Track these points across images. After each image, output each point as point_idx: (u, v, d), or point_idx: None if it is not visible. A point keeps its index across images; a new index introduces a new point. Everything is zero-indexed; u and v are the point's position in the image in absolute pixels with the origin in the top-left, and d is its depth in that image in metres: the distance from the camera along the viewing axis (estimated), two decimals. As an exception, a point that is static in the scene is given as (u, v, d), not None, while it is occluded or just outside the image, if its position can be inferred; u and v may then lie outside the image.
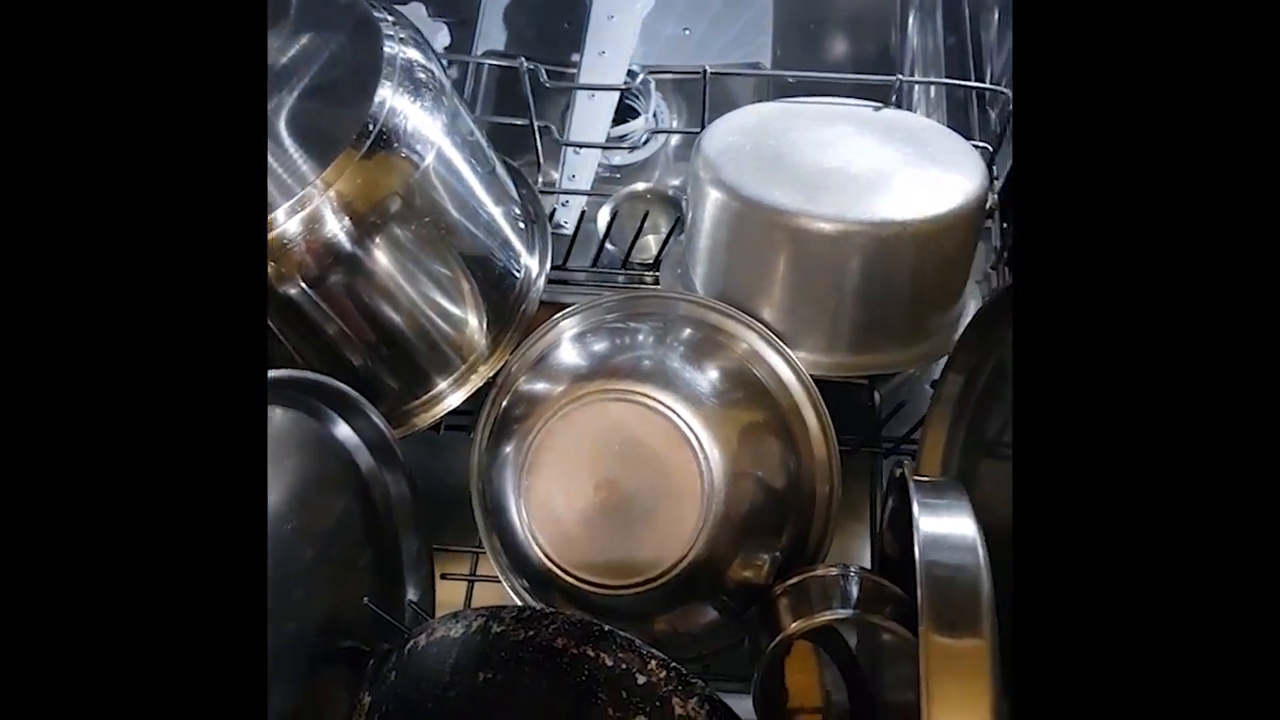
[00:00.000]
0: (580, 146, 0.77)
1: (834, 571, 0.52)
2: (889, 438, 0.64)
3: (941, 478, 0.52)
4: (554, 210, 0.76)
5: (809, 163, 0.57)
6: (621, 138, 0.89)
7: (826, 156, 0.58)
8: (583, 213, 0.72)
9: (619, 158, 0.90)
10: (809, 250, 0.55)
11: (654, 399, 0.51)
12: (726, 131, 0.61)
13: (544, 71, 0.65)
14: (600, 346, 0.57)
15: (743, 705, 0.50)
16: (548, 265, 0.65)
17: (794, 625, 0.49)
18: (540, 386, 0.56)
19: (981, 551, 0.38)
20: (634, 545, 0.50)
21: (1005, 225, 0.67)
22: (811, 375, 0.57)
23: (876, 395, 0.71)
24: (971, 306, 0.63)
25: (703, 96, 0.66)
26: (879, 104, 0.64)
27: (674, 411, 0.50)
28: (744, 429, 0.53)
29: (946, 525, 0.39)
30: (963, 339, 0.55)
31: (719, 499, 0.50)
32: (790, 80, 0.79)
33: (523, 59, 0.65)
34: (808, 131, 0.60)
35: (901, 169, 0.57)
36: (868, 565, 0.61)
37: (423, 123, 0.52)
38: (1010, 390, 0.55)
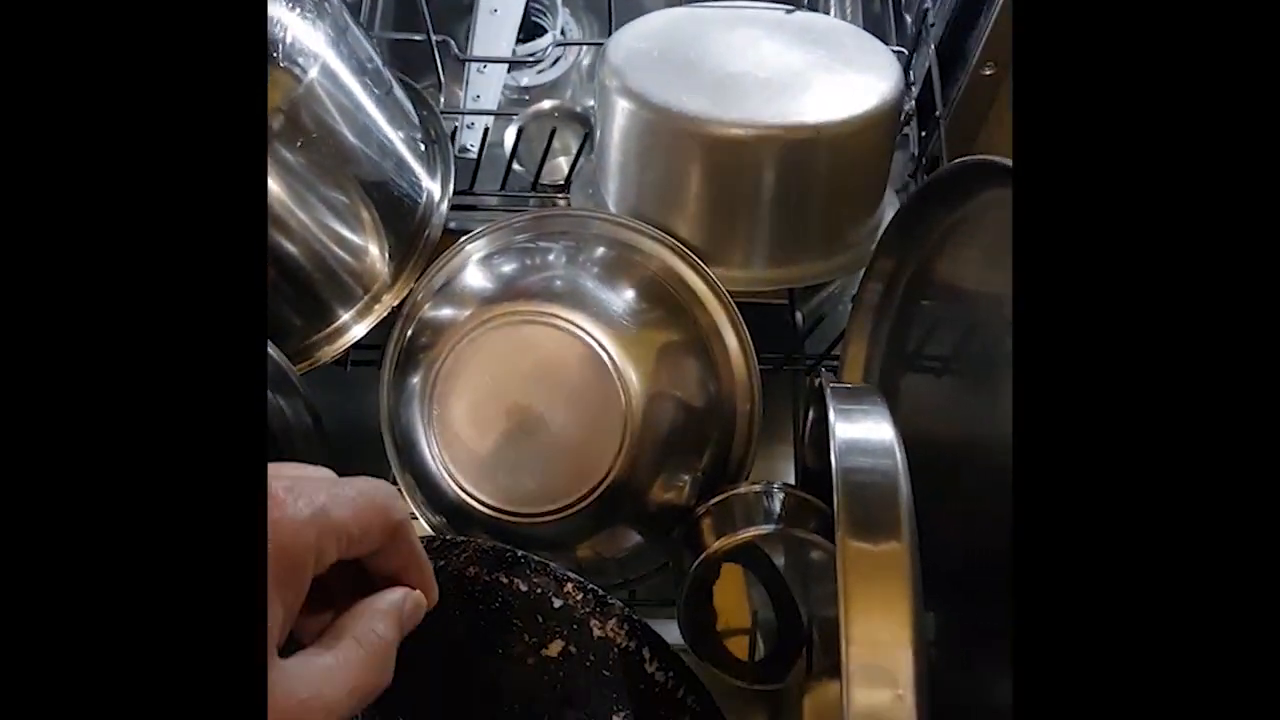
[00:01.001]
0: (483, 62, 0.74)
1: (756, 489, 0.52)
2: (810, 355, 0.63)
3: (860, 384, 0.51)
4: (455, 131, 0.73)
5: (718, 67, 0.55)
6: (529, 55, 0.85)
7: (737, 60, 0.55)
8: (486, 131, 0.69)
9: (527, 78, 0.86)
10: (720, 158, 0.53)
11: (566, 319, 0.49)
12: (633, 38, 0.58)
13: (437, -22, 0.62)
14: (509, 268, 0.55)
15: (670, 631, 0.50)
16: (450, 189, 0.62)
17: (717, 544, 0.49)
18: (446, 312, 0.54)
19: (900, 455, 0.38)
20: (552, 471, 0.49)
21: (924, 133, 0.67)
22: (730, 291, 0.56)
23: (798, 314, 0.71)
24: (890, 216, 0.62)
25: (608, 5, 0.64)
26: (790, 7, 0.62)
27: (587, 332, 0.49)
28: (661, 348, 0.52)
29: (863, 430, 0.39)
30: (881, 244, 0.54)
31: (637, 420, 0.49)
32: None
33: (413, -35, 0.61)
34: (718, 36, 0.58)
35: (814, 72, 0.55)
36: (791, 482, 0.61)
37: (303, 33, 0.49)
38: (932, 297, 0.55)
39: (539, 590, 0.37)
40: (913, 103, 0.65)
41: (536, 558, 0.39)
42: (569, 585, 0.38)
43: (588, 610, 0.37)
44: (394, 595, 0.30)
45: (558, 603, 0.37)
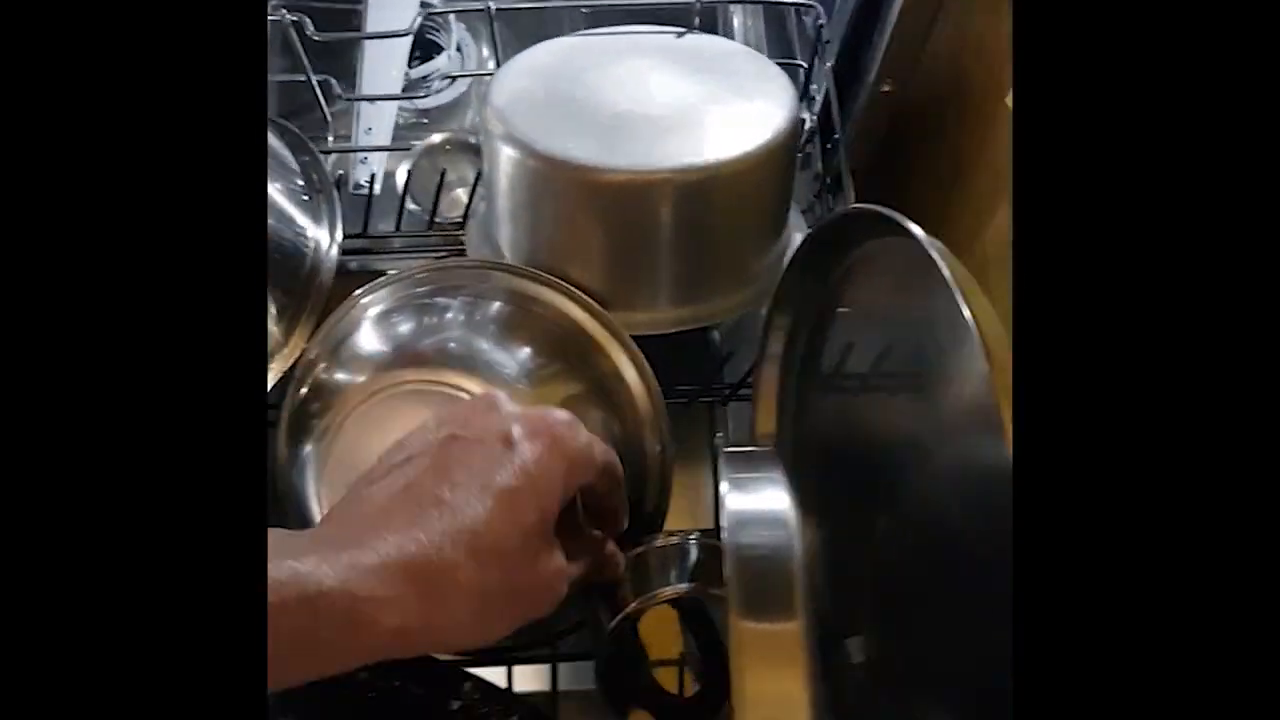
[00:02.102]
0: (372, 100, 0.72)
1: (673, 541, 0.52)
2: (726, 384, 0.63)
3: (757, 447, 0.50)
4: (340, 174, 0.71)
5: (606, 106, 0.55)
6: (423, 78, 0.84)
7: (624, 97, 0.55)
8: (379, 171, 0.68)
9: (426, 101, 0.85)
10: (612, 204, 0.53)
11: (457, 386, 0.48)
12: (517, 75, 0.58)
13: (310, 22, 0.60)
14: (404, 328, 0.54)
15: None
16: (339, 235, 0.61)
17: (632, 606, 0.49)
18: (339, 377, 0.53)
19: (794, 527, 0.38)
20: (453, 544, 0.49)
21: (828, 146, 0.67)
22: (635, 335, 0.56)
23: (716, 335, 0.71)
24: (797, 239, 0.62)
25: (491, 35, 0.63)
26: (681, 30, 0.61)
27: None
28: (563, 405, 0.51)
29: (758, 501, 0.39)
30: (777, 298, 0.54)
31: (539, 483, 0.48)
32: (584, 10, 0.76)
33: (284, 10, 0.59)
34: (604, 70, 0.57)
35: (705, 105, 0.55)
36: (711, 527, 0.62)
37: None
38: (839, 328, 0.55)
39: (436, 692, 0.37)
40: (815, 118, 0.65)
41: (430, 655, 0.38)
42: (467, 685, 0.38)
43: (487, 709, 0.37)
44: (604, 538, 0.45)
45: (455, 704, 0.37)
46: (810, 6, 0.64)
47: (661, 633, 0.59)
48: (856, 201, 0.67)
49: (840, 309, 0.55)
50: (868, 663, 0.53)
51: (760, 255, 0.59)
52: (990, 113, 0.58)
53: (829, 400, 0.58)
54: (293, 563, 0.30)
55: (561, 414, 0.38)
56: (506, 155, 0.54)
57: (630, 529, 0.55)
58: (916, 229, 0.39)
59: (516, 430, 0.37)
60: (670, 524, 0.57)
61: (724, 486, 0.39)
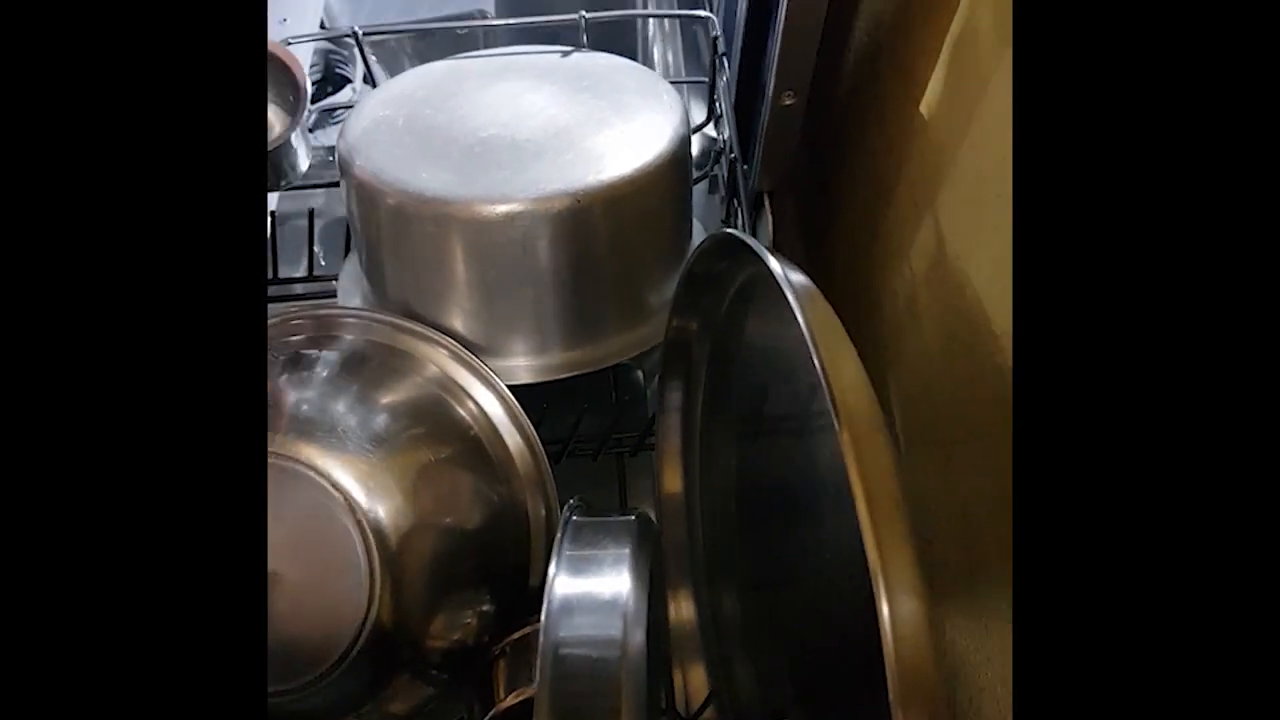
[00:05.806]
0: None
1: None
2: (628, 435, 0.58)
3: (616, 516, 0.44)
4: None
5: (470, 133, 0.50)
6: (331, 112, 0.81)
7: (490, 122, 0.51)
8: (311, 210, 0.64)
9: (334, 137, 0.81)
10: (474, 241, 0.48)
11: (295, 458, 0.43)
12: (379, 104, 0.53)
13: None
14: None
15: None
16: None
17: (507, 701, 0.44)
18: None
19: (634, 615, 0.33)
20: (297, 634, 0.44)
21: (745, 167, 0.62)
22: (526, 383, 0.51)
23: (639, 375, 0.66)
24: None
25: (364, 61, 0.59)
26: (568, 49, 0.57)
27: (320, 470, 0.43)
28: (423, 471, 0.47)
29: (592, 583, 0.34)
30: (671, 322, 0.49)
31: (391, 564, 0.43)
32: (483, 31, 0.72)
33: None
34: (474, 94, 0.53)
35: (583, 128, 0.50)
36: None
37: None
38: (741, 368, 0.50)
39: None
40: (723, 138, 0.61)
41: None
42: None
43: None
44: None
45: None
46: (703, 18, 0.59)
47: None
48: (775, 226, 0.62)
49: (738, 345, 0.50)
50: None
51: (658, 286, 0.54)
52: (908, 124, 0.53)
53: (739, 449, 0.53)
54: None
55: None
56: (360, 191, 0.50)
57: (514, 605, 0.50)
58: (771, 260, 0.35)
59: None
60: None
61: (552, 566, 0.34)
